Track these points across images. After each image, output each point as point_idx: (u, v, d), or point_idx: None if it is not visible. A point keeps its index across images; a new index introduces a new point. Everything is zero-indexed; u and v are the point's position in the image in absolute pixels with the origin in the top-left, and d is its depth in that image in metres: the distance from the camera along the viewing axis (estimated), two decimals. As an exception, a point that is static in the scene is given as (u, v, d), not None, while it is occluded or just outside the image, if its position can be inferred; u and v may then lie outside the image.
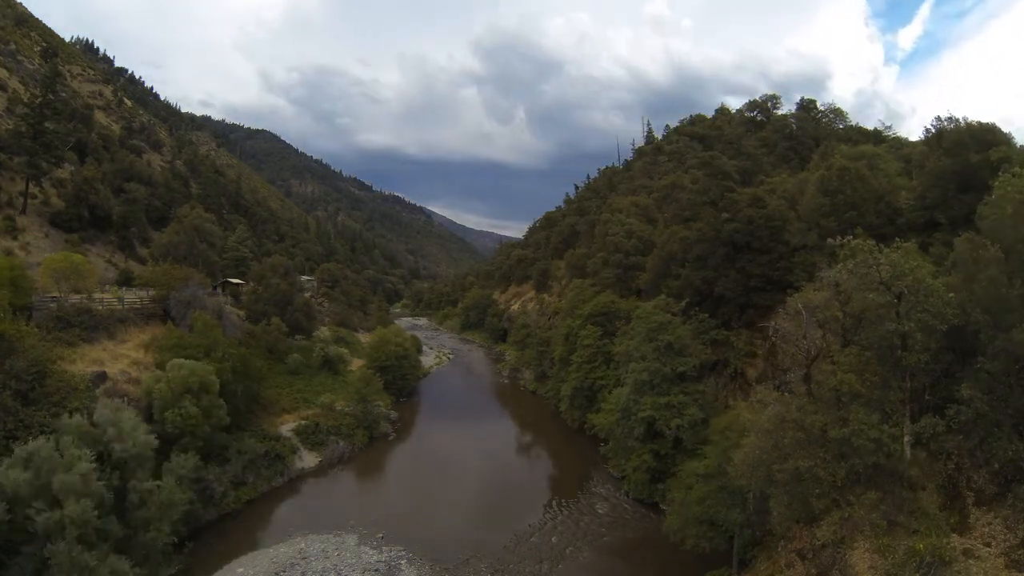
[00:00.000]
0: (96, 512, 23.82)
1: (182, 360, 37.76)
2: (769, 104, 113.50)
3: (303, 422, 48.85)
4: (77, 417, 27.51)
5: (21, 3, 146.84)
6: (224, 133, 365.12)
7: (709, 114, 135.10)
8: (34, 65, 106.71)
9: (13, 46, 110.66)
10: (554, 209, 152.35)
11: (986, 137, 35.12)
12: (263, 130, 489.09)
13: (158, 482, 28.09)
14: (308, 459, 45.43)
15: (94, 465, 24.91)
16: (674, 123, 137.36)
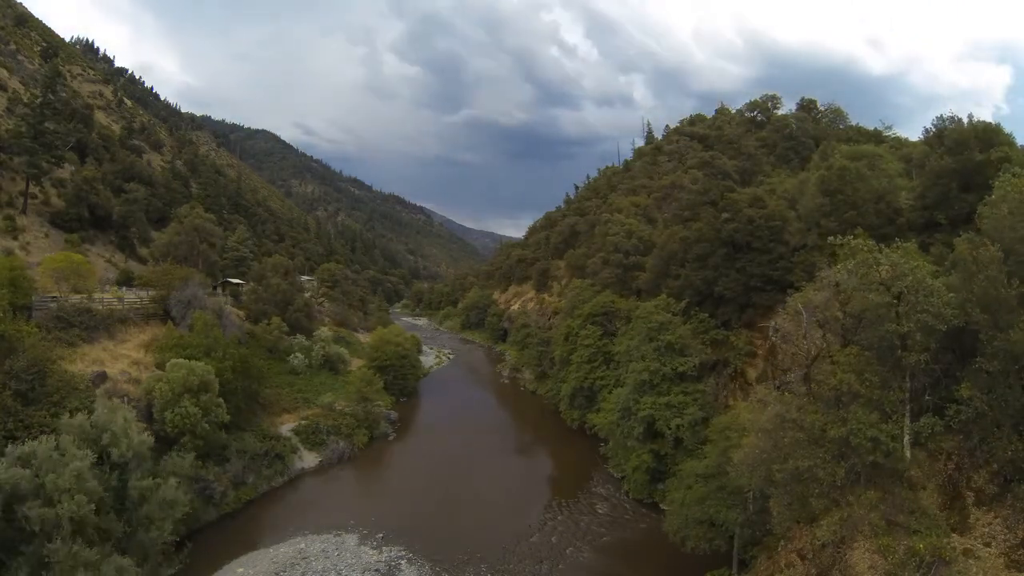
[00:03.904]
0: (92, 509, 23.77)
1: (182, 360, 37.77)
2: (769, 104, 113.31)
3: (303, 422, 48.83)
4: (80, 416, 27.48)
5: (21, 3, 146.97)
6: (224, 133, 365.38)
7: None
8: (34, 65, 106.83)
9: (13, 46, 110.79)
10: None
11: (989, 136, 35.22)
12: (263, 130, 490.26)
13: (158, 480, 28.06)
14: (308, 459, 45.41)
15: (88, 464, 24.86)
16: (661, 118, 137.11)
